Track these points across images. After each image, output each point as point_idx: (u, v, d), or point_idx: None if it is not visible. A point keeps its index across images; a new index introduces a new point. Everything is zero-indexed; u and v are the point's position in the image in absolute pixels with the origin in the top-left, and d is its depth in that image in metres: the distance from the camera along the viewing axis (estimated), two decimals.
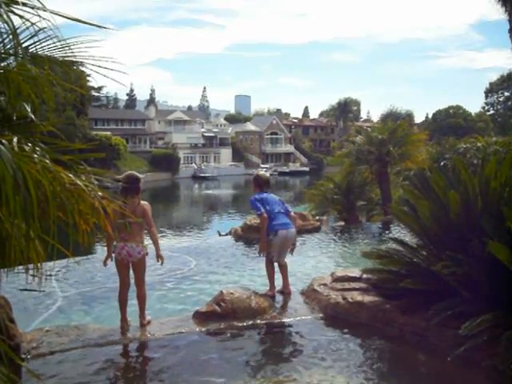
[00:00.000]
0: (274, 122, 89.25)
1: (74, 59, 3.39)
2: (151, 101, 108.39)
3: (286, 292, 6.43)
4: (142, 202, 5.30)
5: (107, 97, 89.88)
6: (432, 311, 4.73)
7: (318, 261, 9.69)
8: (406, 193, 6.33)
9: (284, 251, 6.35)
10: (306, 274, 8.21)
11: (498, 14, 19.47)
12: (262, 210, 6.04)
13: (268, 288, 6.36)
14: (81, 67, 3.54)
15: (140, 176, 5.44)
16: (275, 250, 6.23)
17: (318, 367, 4.46)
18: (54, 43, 3.24)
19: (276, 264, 6.40)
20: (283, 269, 6.42)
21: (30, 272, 3.19)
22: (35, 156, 2.85)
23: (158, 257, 5.33)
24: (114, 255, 5.23)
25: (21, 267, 3.20)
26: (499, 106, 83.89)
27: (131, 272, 5.40)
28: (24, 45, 3.22)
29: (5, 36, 3.14)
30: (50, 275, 8.03)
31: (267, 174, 6.44)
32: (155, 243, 5.32)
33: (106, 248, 5.35)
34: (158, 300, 6.88)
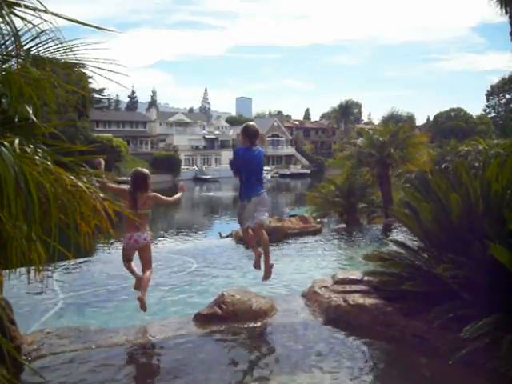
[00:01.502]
0: (275, 124, 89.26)
1: (76, 61, 3.40)
2: (152, 103, 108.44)
3: (266, 266, 6.00)
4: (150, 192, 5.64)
5: (109, 99, 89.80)
6: (433, 314, 4.72)
7: (319, 263, 9.69)
8: (407, 195, 6.32)
9: (258, 211, 5.82)
10: (307, 276, 8.21)
11: (499, 16, 19.50)
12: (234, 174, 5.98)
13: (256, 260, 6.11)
14: (82, 69, 3.54)
15: (146, 171, 5.66)
16: (248, 213, 5.81)
17: (318, 370, 4.45)
18: (56, 45, 3.25)
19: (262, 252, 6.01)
20: (260, 230, 5.85)
21: (31, 273, 3.19)
22: (37, 158, 2.85)
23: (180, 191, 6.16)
24: (123, 245, 5.63)
25: (22, 268, 3.20)
26: (500, 109, 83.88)
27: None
28: (26, 47, 3.22)
29: (7, 38, 3.15)
30: (51, 277, 8.03)
31: (256, 125, 6.08)
32: (176, 198, 6.00)
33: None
34: (159, 301, 6.88)
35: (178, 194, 5.95)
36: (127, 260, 5.70)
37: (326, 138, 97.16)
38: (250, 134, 5.71)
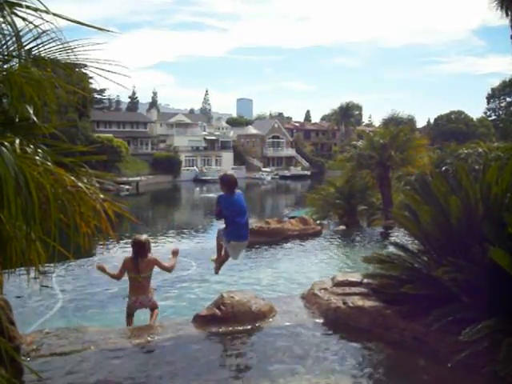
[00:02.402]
0: (276, 125, 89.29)
1: (77, 61, 3.39)
2: (153, 103, 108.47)
3: (218, 266, 6.48)
4: (151, 256, 6.08)
5: (109, 99, 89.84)
6: (432, 317, 4.71)
7: (319, 265, 9.69)
8: (407, 198, 6.32)
9: (235, 253, 6.30)
10: (306, 278, 8.21)
11: (500, 19, 19.57)
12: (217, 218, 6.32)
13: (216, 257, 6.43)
14: (83, 69, 3.55)
15: (144, 239, 6.07)
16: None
17: (318, 372, 4.45)
18: (57, 46, 3.25)
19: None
20: (225, 256, 6.42)
21: (31, 273, 3.19)
22: (37, 158, 2.85)
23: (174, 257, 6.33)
24: (128, 303, 6.01)
25: (22, 268, 3.20)
26: (501, 112, 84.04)
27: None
28: (27, 47, 3.22)
29: (8, 38, 3.15)
30: (51, 277, 8.03)
31: (235, 174, 6.49)
32: (173, 264, 6.23)
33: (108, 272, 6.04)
34: (158, 303, 6.87)
35: (173, 260, 6.27)
36: (130, 315, 5.96)
37: (326, 140, 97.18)
38: (228, 184, 6.16)
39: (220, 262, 6.37)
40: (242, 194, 6.22)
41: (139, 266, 5.90)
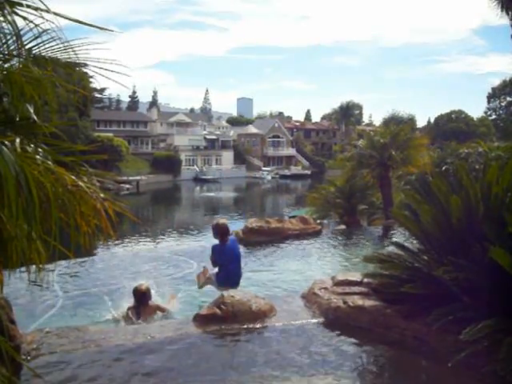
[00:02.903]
0: (276, 125, 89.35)
1: (77, 61, 3.40)
2: (153, 103, 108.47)
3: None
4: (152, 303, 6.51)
5: (110, 98, 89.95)
6: (433, 316, 4.71)
7: (319, 264, 9.68)
8: (407, 197, 6.32)
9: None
10: (306, 277, 8.21)
11: (500, 18, 19.59)
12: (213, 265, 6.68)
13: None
14: (84, 69, 3.55)
15: (144, 288, 6.47)
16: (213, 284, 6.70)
17: (318, 372, 4.44)
18: (57, 45, 3.25)
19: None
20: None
21: (32, 273, 3.20)
22: (37, 157, 2.86)
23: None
24: None
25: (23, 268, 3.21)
26: (501, 111, 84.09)
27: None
28: (27, 46, 3.23)
29: (8, 37, 3.16)
30: (52, 276, 8.03)
31: (226, 223, 6.71)
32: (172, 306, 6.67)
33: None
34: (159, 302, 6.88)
35: (172, 302, 6.75)
36: None
37: (326, 140, 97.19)
38: (220, 232, 6.46)
39: (206, 282, 6.57)
40: (235, 239, 6.37)
41: (141, 314, 6.21)
